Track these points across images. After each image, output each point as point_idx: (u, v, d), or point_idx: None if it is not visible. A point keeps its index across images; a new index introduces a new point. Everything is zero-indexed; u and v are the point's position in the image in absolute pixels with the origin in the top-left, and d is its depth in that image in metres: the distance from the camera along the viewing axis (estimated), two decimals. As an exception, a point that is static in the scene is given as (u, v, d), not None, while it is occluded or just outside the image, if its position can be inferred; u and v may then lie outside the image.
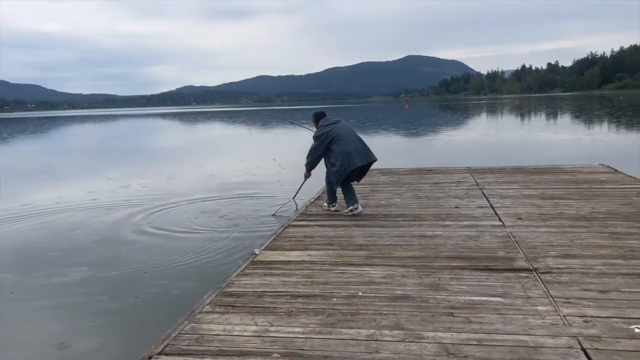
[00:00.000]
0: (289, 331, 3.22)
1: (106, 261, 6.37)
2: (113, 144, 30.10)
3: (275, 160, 13.06)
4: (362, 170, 6.60)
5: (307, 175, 6.93)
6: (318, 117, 6.76)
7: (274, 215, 8.34)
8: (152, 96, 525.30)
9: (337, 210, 6.68)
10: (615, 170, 9.16)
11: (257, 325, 3.33)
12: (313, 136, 6.62)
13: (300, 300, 3.72)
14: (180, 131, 43.61)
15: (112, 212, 9.29)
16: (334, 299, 3.70)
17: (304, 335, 3.15)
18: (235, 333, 3.24)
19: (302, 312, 3.50)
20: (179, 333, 3.29)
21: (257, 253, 4.90)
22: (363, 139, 6.57)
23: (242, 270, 4.44)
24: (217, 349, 3.05)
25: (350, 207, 6.48)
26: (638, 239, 4.86)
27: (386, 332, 3.15)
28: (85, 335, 4.37)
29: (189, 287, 5.21)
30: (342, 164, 6.27)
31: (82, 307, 4.95)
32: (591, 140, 19.78)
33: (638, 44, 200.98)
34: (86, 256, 6.63)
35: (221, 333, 3.25)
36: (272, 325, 3.31)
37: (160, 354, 3.03)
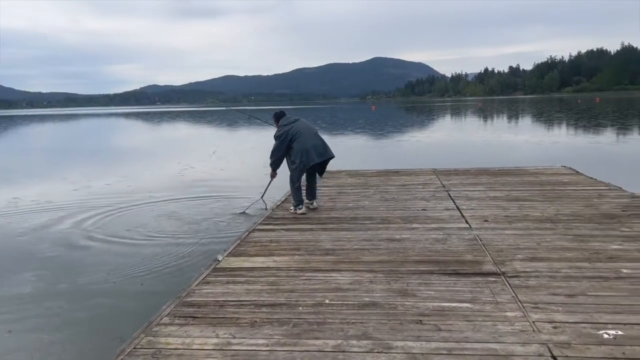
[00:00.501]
0: (252, 343, 3.07)
1: (58, 270, 6.05)
2: (73, 144, 29.14)
3: (215, 152, 12.70)
4: (321, 166, 6.83)
5: (273, 175, 7.06)
6: (278, 117, 6.90)
7: (243, 213, 8.39)
8: (115, 95, 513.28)
9: (304, 213, 6.55)
10: (577, 171, 9.33)
11: (218, 337, 3.16)
12: (274, 136, 6.71)
13: (264, 309, 3.56)
14: (143, 131, 42.63)
15: (68, 215, 8.89)
16: (300, 308, 3.56)
17: (267, 348, 3.00)
18: (194, 347, 3.06)
19: (267, 323, 3.34)
20: (134, 347, 3.08)
21: (219, 259, 4.71)
22: (322, 137, 6.76)
23: (203, 278, 4.25)
24: (175, 364, 2.87)
25: (307, 202, 6.81)
26: (601, 241, 4.90)
27: (354, 342, 3.03)
28: (34, 350, 4.09)
29: (147, 297, 4.95)
30: (301, 160, 6.45)
31: (30, 320, 4.64)
32: (552, 142, 20.26)
33: (594, 49, 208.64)
34: (37, 264, 6.29)
35: (179, 347, 3.07)
36: (234, 338, 3.15)
37: (113, 371, 2.82)
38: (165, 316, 3.53)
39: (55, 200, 10.30)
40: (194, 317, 3.48)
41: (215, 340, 3.12)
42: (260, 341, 3.09)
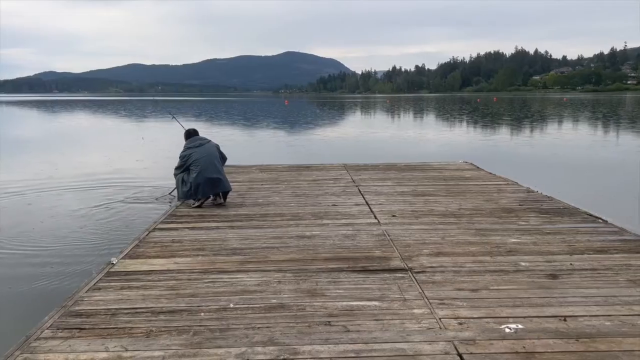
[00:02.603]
0: (147, 356, 2.78)
1: None
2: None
3: (144, 139, 12.01)
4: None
5: None
6: (187, 136, 7.02)
7: (156, 199, 8.35)
8: (5, 82, 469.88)
9: (200, 207, 6.50)
10: (477, 167, 9.80)
11: (108, 351, 2.84)
12: (179, 154, 6.82)
13: (162, 317, 3.27)
14: (34, 121, 39.28)
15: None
16: (202, 314, 3.31)
17: (164, 361, 2.73)
18: (79, 364, 2.72)
19: (164, 332, 3.06)
20: (6, 368, 2.69)
21: (114, 262, 4.31)
22: (220, 166, 6.71)
23: (94, 284, 3.85)
24: (54, 386, 2.52)
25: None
26: (501, 234, 5.11)
27: (259, 349, 2.85)
28: None
29: (28, 308, 4.41)
30: (191, 190, 6.52)
31: None
32: (454, 138, 21.31)
33: (492, 52, 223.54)
34: None
35: (62, 365, 2.71)
36: (126, 351, 2.84)
37: (-24, 400, 2.42)
38: (47, 329, 3.13)
39: None
40: (80, 329, 3.12)
41: (104, 355, 2.80)
42: (156, 353, 2.81)
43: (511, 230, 5.25)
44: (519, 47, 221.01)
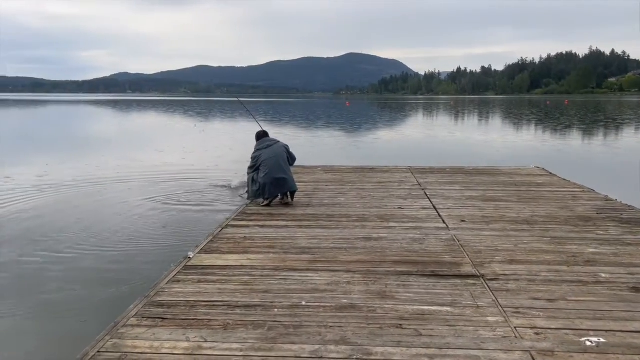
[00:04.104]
0: (225, 348, 2.90)
1: (23, 261, 5.73)
2: (51, 131, 28.16)
3: (196, 126, 12.32)
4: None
5: None
6: (258, 137, 7.27)
7: (240, 196, 8.56)
8: (84, 82, 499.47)
9: (268, 205, 6.69)
10: (550, 173, 9.42)
11: (189, 341, 2.99)
12: (251, 155, 7.08)
13: (238, 311, 3.40)
14: (117, 120, 41.52)
15: (30, 203, 8.50)
16: (275, 310, 3.41)
17: (242, 353, 2.84)
18: (163, 351, 2.88)
19: (240, 326, 3.18)
20: (98, 351, 2.89)
21: (191, 257, 4.52)
22: (287, 167, 6.85)
23: (173, 277, 4.05)
24: (142, 371, 2.69)
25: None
26: (578, 244, 4.90)
27: (332, 347, 2.90)
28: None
29: (114, 294, 4.71)
30: (260, 189, 6.73)
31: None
32: (524, 142, 20.56)
33: (564, 52, 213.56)
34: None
35: (147, 351, 2.88)
36: (206, 342, 2.98)
37: (74, 378, 2.62)
38: (133, 317, 3.33)
39: (20, 187, 9.84)
40: (162, 319, 3.30)
41: (185, 344, 2.94)
42: (234, 345, 2.93)
43: (589, 240, 5.02)
44: (594, 48, 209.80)
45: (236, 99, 10.58)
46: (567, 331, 3.07)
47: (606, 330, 3.07)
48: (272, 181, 6.61)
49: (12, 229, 7.11)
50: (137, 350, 2.89)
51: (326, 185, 8.29)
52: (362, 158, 14.66)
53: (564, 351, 2.84)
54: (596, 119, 37.01)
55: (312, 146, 18.44)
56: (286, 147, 7.04)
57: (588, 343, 2.92)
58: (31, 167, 12.88)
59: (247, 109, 10.74)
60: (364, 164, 11.26)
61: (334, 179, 8.91)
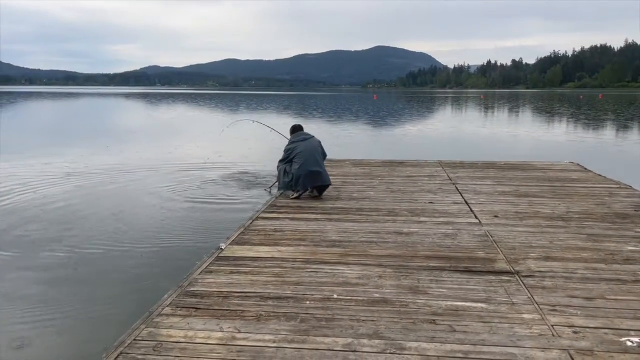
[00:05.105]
0: (258, 339, 2.92)
1: (57, 247, 5.89)
2: (95, 122, 28.85)
3: (229, 126, 12.32)
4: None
5: None
6: (292, 130, 7.34)
7: (265, 190, 8.67)
8: (115, 75, 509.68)
9: (298, 198, 6.72)
10: (585, 168, 9.18)
11: (222, 331, 3.02)
12: (285, 147, 7.11)
13: (270, 302, 3.42)
14: (147, 112, 42.21)
15: (73, 191, 8.71)
16: (307, 302, 3.42)
17: (275, 344, 2.86)
18: (197, 340, 2.92)
19: (273, 317, 3.20)
20: (134, 339, 2.94)
21: (222, 247, 4.56)
22: (321, 161, 6.89)
23: (206, 267, 4.10)
24: (177, 359, 2.73)
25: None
26: (616, 241, 4.76)
27: (365, 341, 2.89)
28: (26, 339, 3.93)
29: (148, 283, 4.80)
30: (292, 181, 6.75)
31: (21, 310, 4.41)
32: (555, 137, 20.09)
33: (598, 45, 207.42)
34: (36, 239, 6.12)
35: (182, 340, 2.93)
36: (239, 332, 3.00)
37: (112, 364, 2.68)
38: (167, 306, 3.38)
39: (75, 174, 10.11)
40: (196, 309, 3.34)
41: (219, 334, 2.98)
42: (267, 337, 2.95)
43: (628, 237, 4.88)
44: (630, 40, 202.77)
45: (251, 120, 10.52)
46: (607, 330, 2.99)
47: (648, 331, 2.98)
48: (306, 173, 6.63)
49: (48, 215, 7.30)
50: (171, 339, 2.93)
51: (355, 179, 8.26)
52: (391, 152, 14.56)
53: (603, 351, 2.77)
54: (633, 113, 35.90)
55: (339, 139, 18.39)
56: (319, 142, 7.06)
57: (629, 343, 2.84)
58: (81, 155, 13.20)
59: (268, 126, 9.98)
60: (392, 158, 11.18)
61: (363, 173, 8.87)
